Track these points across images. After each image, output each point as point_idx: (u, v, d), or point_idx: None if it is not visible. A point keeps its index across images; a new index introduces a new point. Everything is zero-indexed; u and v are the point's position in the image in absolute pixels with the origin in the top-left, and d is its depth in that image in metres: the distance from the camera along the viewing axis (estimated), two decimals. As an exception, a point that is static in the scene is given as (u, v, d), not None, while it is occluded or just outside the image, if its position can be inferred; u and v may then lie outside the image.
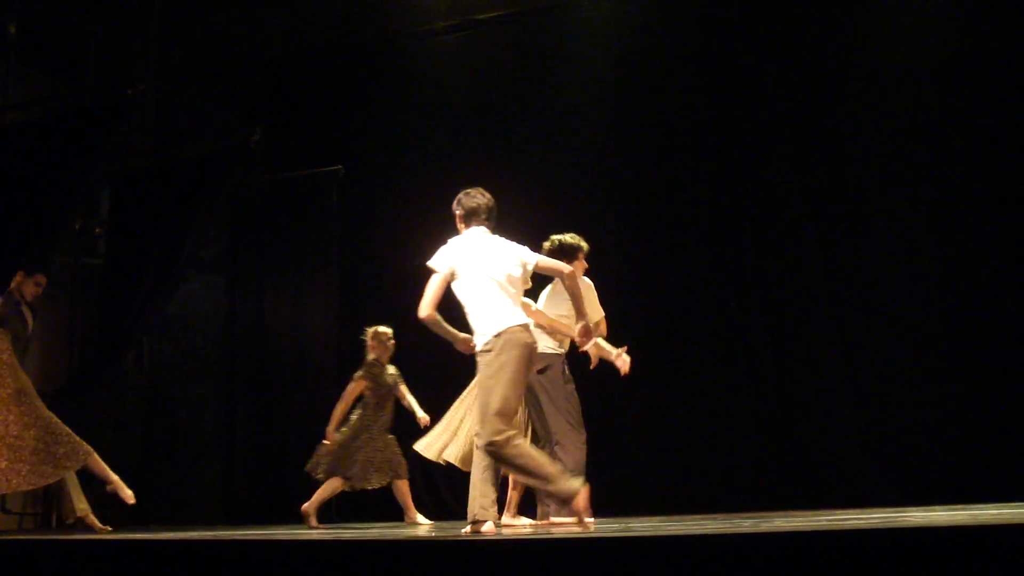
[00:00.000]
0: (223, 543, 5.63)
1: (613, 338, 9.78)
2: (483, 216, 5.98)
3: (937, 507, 6.91)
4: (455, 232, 6.06)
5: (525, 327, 5.61)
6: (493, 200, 6.06)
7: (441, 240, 6.07)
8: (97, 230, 11.08)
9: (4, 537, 6.77)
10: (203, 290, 11.64)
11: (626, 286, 9.73)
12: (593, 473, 9.43)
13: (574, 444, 6.86)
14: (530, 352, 5.60)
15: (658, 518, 7.39)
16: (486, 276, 5.68)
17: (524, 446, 5.55)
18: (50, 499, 9.97)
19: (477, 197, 6.04)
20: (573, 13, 10.33)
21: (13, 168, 9.16)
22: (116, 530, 8.14)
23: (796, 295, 9.12)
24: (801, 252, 9.13)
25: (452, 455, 7.92)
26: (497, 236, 5.96)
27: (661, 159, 9.79)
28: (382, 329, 8.47)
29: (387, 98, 11.06)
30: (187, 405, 11.67)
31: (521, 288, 5.81)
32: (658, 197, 9.75)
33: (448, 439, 7.96)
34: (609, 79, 10.06)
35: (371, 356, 8.43)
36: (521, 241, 6.03)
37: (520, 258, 5.82)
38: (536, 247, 9.83)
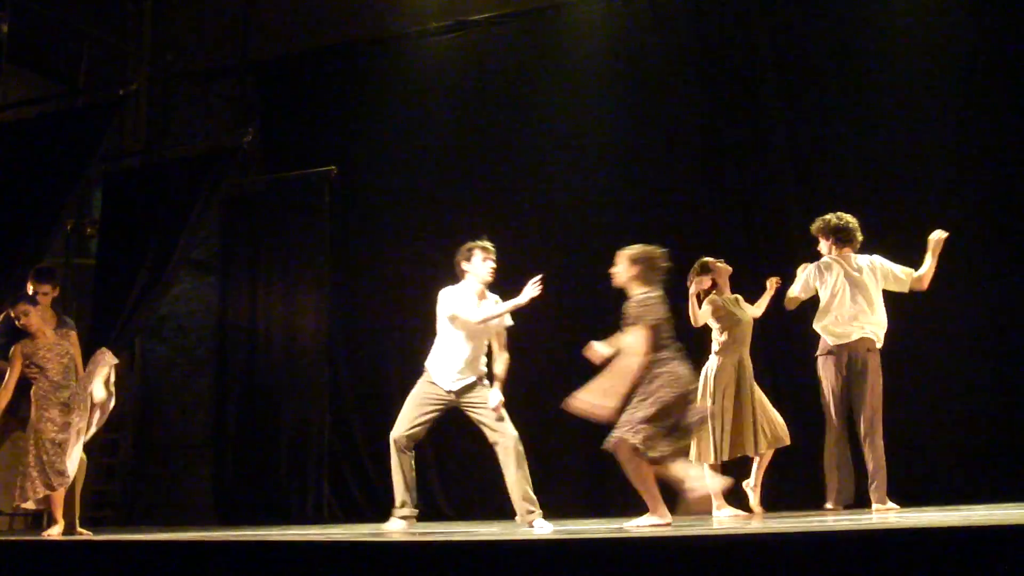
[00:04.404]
0: (215, 544, 5.63)
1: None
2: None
3: (929, 508, 6.93)
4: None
5: None
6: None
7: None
8: (89, 230, 11.06)
9: (-5, 538, 6.75)
10: (195, 291, 11.64)
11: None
12: (602, 474, 9.56)
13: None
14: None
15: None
16: None
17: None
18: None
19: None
20: (566, 14, 10.34)
21: (4, 168, 9.14)
22: (108, 531, 8.09)
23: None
24: (799, 251, 9.14)
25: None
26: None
27: (655, 158, 9.80)
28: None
29: (380, 99, 11.06)
30: (179, 405, 11.66)
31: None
32: (653, 196, 9.76)
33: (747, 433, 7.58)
34: (602, 79, 10.06)
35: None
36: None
37: None
38: (529, 247, 9.96)
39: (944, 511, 6.57)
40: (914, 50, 8.99)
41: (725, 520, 7.20)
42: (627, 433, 5.63)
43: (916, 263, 8.34)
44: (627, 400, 5.76)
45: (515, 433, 6.67)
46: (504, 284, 10.00)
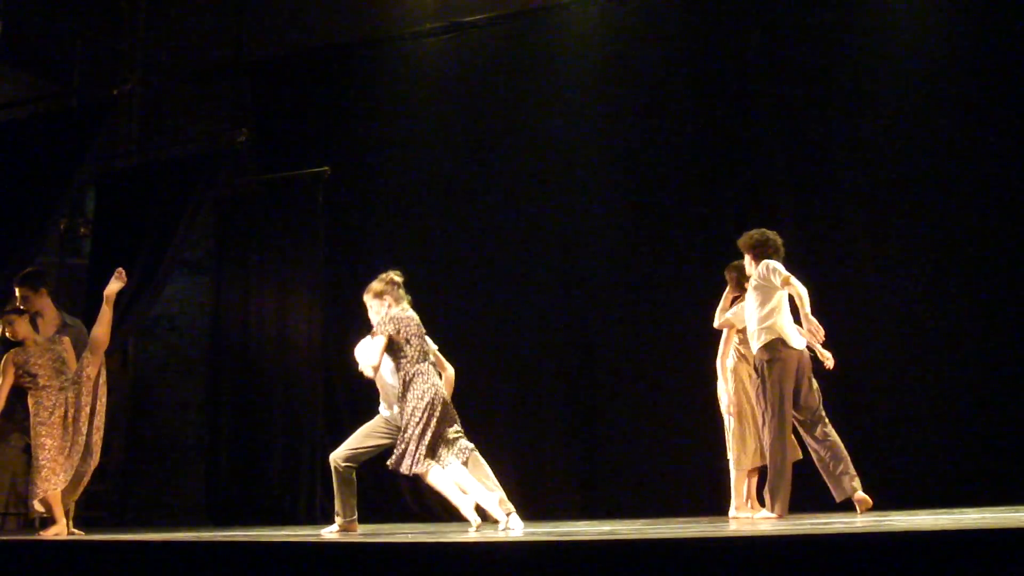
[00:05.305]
0: (207, 544, 5.62)
1: (608, 339, 9.82)
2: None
3: (921, 511, 6.94)
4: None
5: None
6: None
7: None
8: (82, 230, 11.05)
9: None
10: (188, 291, 11.62)
11: (616, 287, 9.74)
12: (599, 476, 9.56)
13: None
14: None
15: (642, 520, 7.43)
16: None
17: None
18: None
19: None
20: (560, 16, 10.34)
21: (-2, 167, 9.17)
22: (100, 531, 8.08)
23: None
24: (790, 255, 9.14)
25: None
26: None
27: (648, 160, 9.80)
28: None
29: (374, 100, 11.05)
30: (171, 406, 11.65)
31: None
32: (646, 199, 9.76)
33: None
34: (596, 82, 10.06)
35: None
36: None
37: None
38: (522, 248, 9.96)
39: (936, 514, 6.57)
40: (907, 54, 8.99)
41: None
42: (422, 459, 6.31)
43: (907, 265, 8.41)
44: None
45: (471, 444, 6.68)
46: (502, 285, 10.07)
